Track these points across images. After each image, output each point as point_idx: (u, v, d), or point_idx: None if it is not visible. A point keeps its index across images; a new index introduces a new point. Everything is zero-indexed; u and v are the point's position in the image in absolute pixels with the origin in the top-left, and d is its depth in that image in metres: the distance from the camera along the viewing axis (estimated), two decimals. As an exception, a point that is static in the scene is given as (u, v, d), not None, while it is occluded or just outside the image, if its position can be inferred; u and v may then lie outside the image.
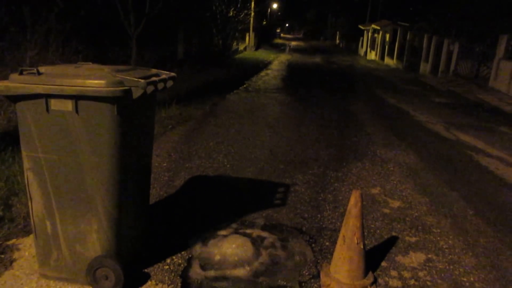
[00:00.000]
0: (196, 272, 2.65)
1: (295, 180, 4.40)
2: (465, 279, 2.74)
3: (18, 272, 2.54)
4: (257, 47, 31.44)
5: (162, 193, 3.88)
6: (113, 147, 2.18)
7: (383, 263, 2.87)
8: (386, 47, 25.12)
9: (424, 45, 18.73)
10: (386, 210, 3.77)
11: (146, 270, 2.63)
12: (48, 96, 2.10)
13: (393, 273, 2.77)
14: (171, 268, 2.67)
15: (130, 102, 2.16)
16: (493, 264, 2.95)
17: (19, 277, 2.49)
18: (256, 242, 2.99)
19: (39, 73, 2.12)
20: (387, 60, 24.63)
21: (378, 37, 27.24)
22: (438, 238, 3.29)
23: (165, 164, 4.67)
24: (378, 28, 27.13)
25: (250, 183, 4.30)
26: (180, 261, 2.75)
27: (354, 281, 2.52)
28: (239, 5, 19.90)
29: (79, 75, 2.12)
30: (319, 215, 3.58)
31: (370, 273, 2.64)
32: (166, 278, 2.57)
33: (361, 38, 33.70)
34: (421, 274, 2.77)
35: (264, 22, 40.88)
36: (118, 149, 2.20)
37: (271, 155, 5.25)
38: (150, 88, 2.22)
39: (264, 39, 36.87)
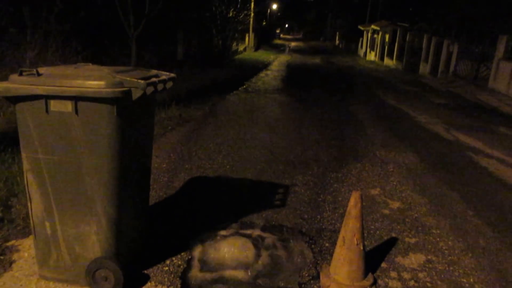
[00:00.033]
0: (195, 273, 2.64)
1: (295, 181, 4.40)
2: (464, 280, 2.74)
3: (18, 274, 2.53)
4: (257, 47, 31.46)
5: (161, 194, 3.87)
6: (112, 148, 2.18)
7: (383, 264, 2.87)
8: (386, 47, 25.13)
9: (424, 45, 18.75)
10: (386, 211, 3.77)
11: (145, 271, 2.63)
12: (47, 97, 2.09)
13: (393, 274, 2.77)
14: (171, 269, 2.66)
15: (130, 103, 2.16)
16: (493, 265, 2.95)
17: (19, 279, 2.49)
18: (256, 243, 2.99)
19: (38, 74, 2.12)
20: (386, 60, 24.65)
21: (378, 38, 27.25)
22: (438, 239, 3.29)
23: (164, 165, 4.66)
24: (378, 28, 27.15)
25: (250, 184, 4.30)
26: (179, 262, 2.75)
27: (354, 282, 2.52)
28: (238, 6, 19.90)
29: (78, 76, 2.11)
30: (318, 216, 3.58)
31: (370, 274, 2.64)
32: (166, 279, 2.56)
33: (361, 39, 33.71)
34: (421, 275, 2.77)
35: (264, 23, 40.92)
36: (117, 150, 2.20)
37: (271, 155, 5.25)
38: (150, 89, 2.22)
39: (264, 40, 36.91)
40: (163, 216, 3.45)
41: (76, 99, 2.08)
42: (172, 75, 2.58)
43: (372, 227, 3.44)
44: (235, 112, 8.07)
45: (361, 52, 33.00)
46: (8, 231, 2.97)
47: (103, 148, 2.16)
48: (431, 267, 2.87)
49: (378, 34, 27.25)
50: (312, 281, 2.63)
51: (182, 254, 2.84)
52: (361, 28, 32.97)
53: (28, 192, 2.29)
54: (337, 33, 48.75)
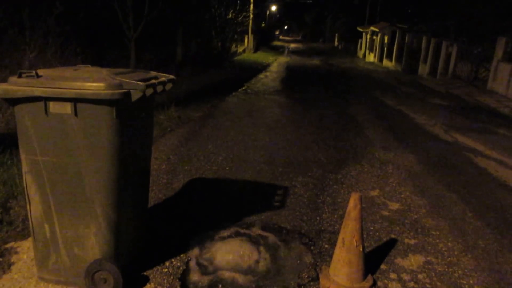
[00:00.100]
0: (195, 275, 2.64)
1: (294, 182, 4.40)
2: (464, 282, 2.74)
3: (17, 276, 2.53)
4: (256, 49, 31.48)
5: (161, 195, 3.87)
6: (112, 150, 2.18)
7: (382, 266, 2.87)
8: (385, 49, 25.16)
9: (423, 47, 18.77)
10: (385, 213, 3.77)
11: (145, 273, 2.62)
12: (47, 99, 2.09)
13: (393, 275, 2.77)
14: (170, 271, 2.66)
15: (129, 105, 2.16)
16: (492, 266, 2.95)
17: (18, 281, 2.48)
18: (255, 245, 2.99)
19: (38, 76, 2.12)
20: (385, 62, 24.67)
21: (377, 39, 27.29)
22: (437, 241, 3.29)
23: (164, 167, 4.66)
24: (377, 30, 27.19)
25: (249, 185, 4.30)
26: (179, 264, 2.75)
27: (353, 283, 2.52)
28: (238, 8, 19.94)
29: (78, 78, 2.12)
30: (318, 218, 3.57)
31: (370, 275, 2.64)
32: (165, 281, 2.56)
33: (360, 40, 33.74)
34: (420, 276, 2.77)
35: (263, 24, 40.96)
36: (117, 151, 2.20)
37: (270, 157, 5.25)
38: (149, 91, 2.22)
39: (263, 41, 36.95)
40: (163, 217, 3.45)
41: (75, 101, 2.08)
42: (171, 77, 2.58)
43: (372, 228, 3.44)
44: (234, 113, 8.07)
45: (360, 54, 33.04)
46: (7, 233, 2.96)
47: (102, 149, 2.16)
48: (430, 269, 2.87)
49: (377, 35, 27.29)
50: (311, 283, 2.62)
51: (181, 255, 2.84)
52: (360, 29, 33.01)
53: (27, 194, 2.29)
54: (336, 34, 48.79)
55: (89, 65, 2.53)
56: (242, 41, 27.78)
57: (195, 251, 2.90)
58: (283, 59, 26.06)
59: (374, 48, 28.15)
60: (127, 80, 2.14)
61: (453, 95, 12.32)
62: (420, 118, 8.46)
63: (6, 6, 7.74)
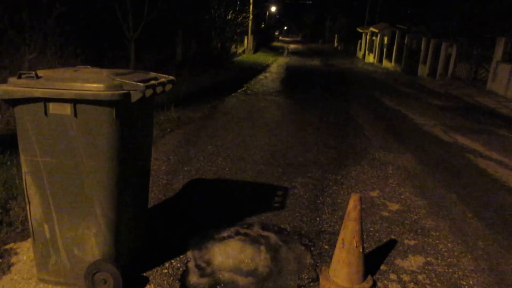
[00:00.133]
0: (194, 276, 2.64)
1: (294, 183, 4.40)
2: (464, 282, 2.74)
3: (16, 277, 2.53)
4: (256, 50, 31.50)
5: (161, 196, 3.87)
6: (111, 151, 2.18)
7: (382, 267, 2.87)
8: (385, 50, 25.17)
9: (422, 47, 18.78)
10: (385, 213, 3.77)
11: (144, 274, 2.62)
12: (46, 100, 2.09)
13: (392, 276, 2.76)
14: (170, 272, 2.66)
15: (129, 106, 2.16)
16: (492, 267, 2.95)
17: (17, 282, 2.48)
18: (255, 246, 2.99)
19: (37, 77, 2.12)
20: (385, 63, 24.69)
21: (376, 40, 27.30)
22: (437, 241, 3.29)
23: (163, 167, 4.66)
24: (377, 31, 27.20)
25: (249, 186, 4.30)
26: (179, 265, 2.75)
27: (353, 284, 2.52)
28: (237, 8, 19.95)
29: (77, 79, 2.12)
30: (318, 218, 3.57)
31: (369, 276, 2.64)
32: (165, 282, 2.56)
33: (360, 41, 33.75)
34: (420, 277, 2.77)
35: (263, 25, 40.97)
36: (116, 152, 2.20)
37: (270, 158, 5.25)
38: (149, 92, 2.22)
39: (263, 42, 36.96)
40: (162, 218, 3.44)
41: (75, 101, 2.08)
42: (171, 77, 2.58)
43: (371, 229, 3.44)
44: (234, 114, 8.07)
45: (360, 54, 33.05)
46: (7, 234, 2.96)
47: (102, 150, 2.16)
48: (430, 269, 2.87)
49: (376, 36, 27.30)
50: (311, 284, 2.62)
51: (181, 256, 2.84)
52: (360, 30, 33.03)
53: (27, 194, 2.28)
54: (336, 35, 48.82)
55: (89, 66, 2.53)
56: (242, 41, 27.79)
57: (195, 252, 2.90)
58: (282, 60, 26.07)
59: (374, 49, 28.16)
60: (127, 81, 2.14)
61: (453, 96, 12.32)
62: (419, 119, 8.47)
63: (6, 6, 7.74)
